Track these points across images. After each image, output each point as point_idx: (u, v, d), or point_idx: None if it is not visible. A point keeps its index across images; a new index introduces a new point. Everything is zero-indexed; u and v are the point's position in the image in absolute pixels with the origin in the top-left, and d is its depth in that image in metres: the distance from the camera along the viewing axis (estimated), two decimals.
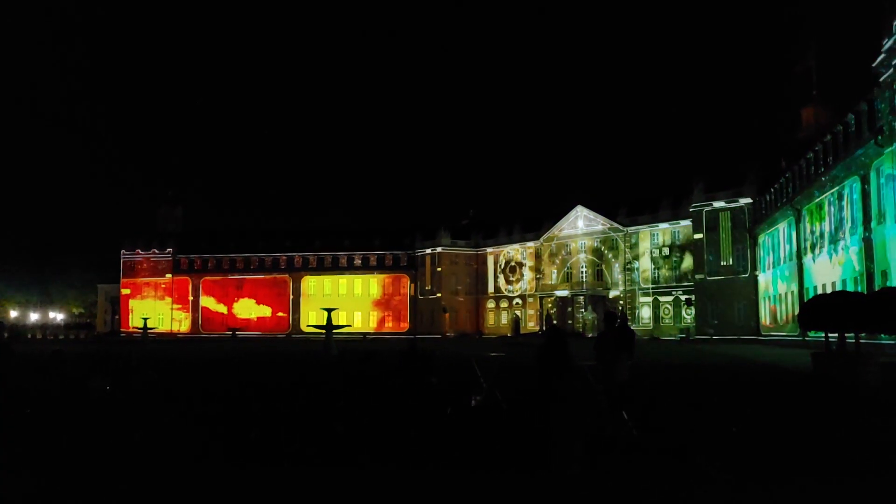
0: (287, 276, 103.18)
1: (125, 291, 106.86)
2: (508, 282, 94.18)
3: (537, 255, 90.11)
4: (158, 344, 58.11)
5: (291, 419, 12.68)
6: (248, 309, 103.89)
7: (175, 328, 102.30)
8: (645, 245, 78.52)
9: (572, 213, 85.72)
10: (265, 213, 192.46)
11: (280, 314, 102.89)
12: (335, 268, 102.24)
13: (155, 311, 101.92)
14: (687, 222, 71.16)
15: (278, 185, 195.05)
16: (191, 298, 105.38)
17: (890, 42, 29.35)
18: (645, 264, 78.58)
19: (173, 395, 17.15)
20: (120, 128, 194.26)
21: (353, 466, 8.97)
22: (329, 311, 40.95)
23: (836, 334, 23.60)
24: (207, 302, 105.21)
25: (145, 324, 64.98)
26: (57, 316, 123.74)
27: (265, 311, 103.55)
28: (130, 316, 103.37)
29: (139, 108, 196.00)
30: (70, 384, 16.43)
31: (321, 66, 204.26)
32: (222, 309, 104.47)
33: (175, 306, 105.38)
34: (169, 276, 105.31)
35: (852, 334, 22.62)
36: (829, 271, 40.84)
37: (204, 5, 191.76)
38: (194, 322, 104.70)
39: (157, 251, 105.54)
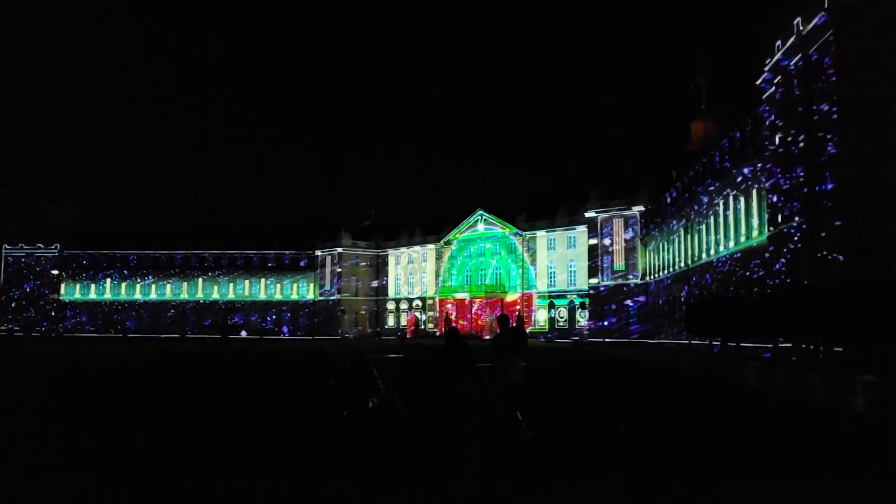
0: (183, 274, 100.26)
1: (8, 288, 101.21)
2: (409, 283, 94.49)
3: (438, 258, 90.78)
4: (42, 344, 55.40)
5: (179, 425, 12.41)
6: (141, 308, 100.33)
7: (64, 327, 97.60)
8: (542, 250, 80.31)
9: (473, 217, 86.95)
10: (161, 212, 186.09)
11: (175, 314, 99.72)
12: (233, 267, 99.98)
13: (39, 309, 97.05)
14: (583, 228, 73.18)
15: (176, 183, 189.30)
16: (79, 297, 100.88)
17: (772, 62, 31.07)
18: (542, 269, 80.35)
19: (51, 401, 16.44)
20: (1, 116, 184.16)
21: (241, 472, 8.85)
22: (225, 311, 40.19)
23: (719, 339, 24.86)
24: (97, 301, 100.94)
25: (28, 323, 61.81)
26: None
27: (158, 310, 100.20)
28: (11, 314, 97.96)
29: (25, 96, 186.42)
30: None
31: (218, 61, 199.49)
32: (113, 308, 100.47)
33: (62, 304, 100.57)
34: (55, 272, 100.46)
35: (733, 338, 23.88)
36: (714, 278, 42.84)
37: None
38: (82, 321, 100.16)
39: (42, 246, 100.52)
